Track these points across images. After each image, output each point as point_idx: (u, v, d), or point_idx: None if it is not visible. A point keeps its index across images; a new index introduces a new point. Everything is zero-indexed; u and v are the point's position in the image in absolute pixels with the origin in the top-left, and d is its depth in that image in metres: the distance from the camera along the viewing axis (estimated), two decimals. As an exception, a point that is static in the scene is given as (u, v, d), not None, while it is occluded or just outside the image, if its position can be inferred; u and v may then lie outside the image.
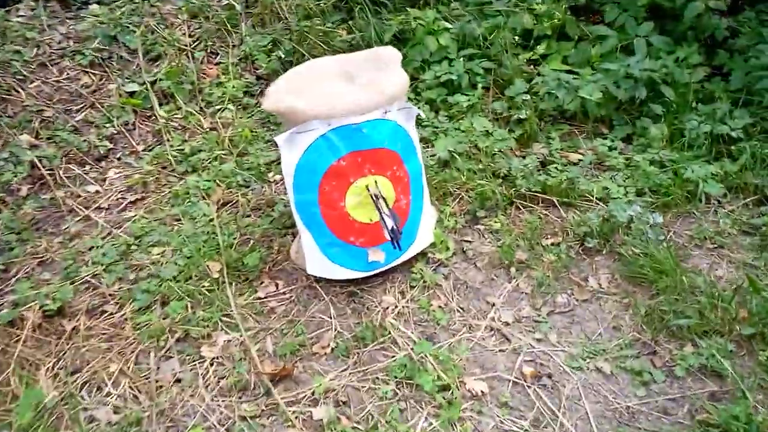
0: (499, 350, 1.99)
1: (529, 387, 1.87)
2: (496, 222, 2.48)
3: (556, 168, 2.63)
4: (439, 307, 2.15)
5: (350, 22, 3.47)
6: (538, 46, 3.23)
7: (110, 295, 2.27)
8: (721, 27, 2.96)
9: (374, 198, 2.04)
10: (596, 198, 2.47)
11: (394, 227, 1.93)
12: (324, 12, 3.52)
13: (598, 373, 1.90)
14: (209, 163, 2.87)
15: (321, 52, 3.27)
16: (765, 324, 1.91)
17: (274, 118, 3.07)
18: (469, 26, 3.26)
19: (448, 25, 3.28)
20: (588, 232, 2.32)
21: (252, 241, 2.45)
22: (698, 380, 1.85)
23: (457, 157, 2.69)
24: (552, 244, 2.35)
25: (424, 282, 2.23)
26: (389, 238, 1.93)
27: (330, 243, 2.12)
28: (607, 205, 2.42)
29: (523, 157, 2.73)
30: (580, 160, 2.73)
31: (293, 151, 1.99)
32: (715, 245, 2.29)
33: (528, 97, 2.95)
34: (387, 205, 2.05)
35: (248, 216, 2.59)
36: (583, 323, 2.07)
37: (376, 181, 2.06)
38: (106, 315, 2.20)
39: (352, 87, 2.04)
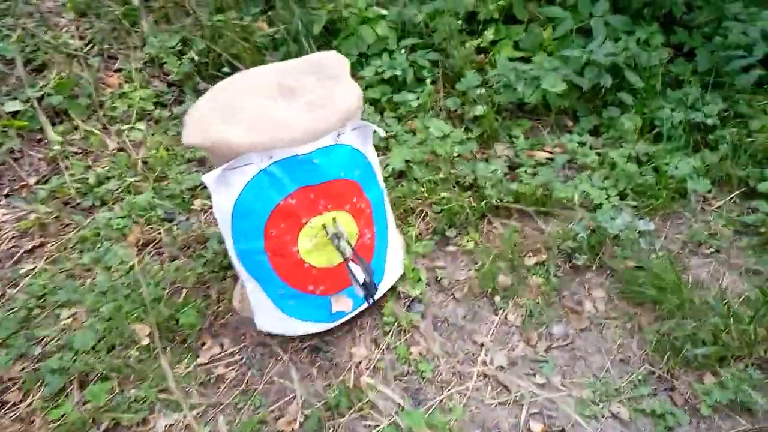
0: (499, 403, 1.69)
1: (542, 452, 1.58)
2: (468, 241, 2.17)
3: (525, 172, 2.34)
4: (421, 354, 1.82)
5: (270, 14, 3.03)
6: (485, 32, 2.92)
7: (10, 379, 1.79)
8: (678, 2, 2.75)
9: (335, 239, 1.67)
10: (577, 205, 2.20)
11: (366, 280, 1.57)
12: (239, 3, 3.05)
13: (615, 420, 1.64)
14: (121, 193, 2.39)
15: (241, 50, 2.82)
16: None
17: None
18: (407, 12, 2.90)
19: (384, 12, 2.90)
20: (575, 247, 2.05)
21: (185, 291, 2.02)
22: (727, 418, 1.63)
23: (414, 166, 2.35)
24: (536, 264, 2.07)
25: (399, 325, 1.89)
26: (361, 294, 1.57)
27: (284, 295, 1.73)
28: (591, 213, 2.16)
29: (487, 161, 2.43)
30: (549, 159, 2.46)
31: (228, 192, 1.58)
32: (712, 249, 2.09)
33: (482, 90, 2.64)
34: (351, 247, 1.68)
35: (176, 258, 2.15)
36: (586, 357, 1.80)
37: (334, 219, 1.68)
38: (7, 408, 1.72)
39: (296, 106, 1.64)
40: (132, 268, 2.08)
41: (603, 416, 1.65)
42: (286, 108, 1.64)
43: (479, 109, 2.59)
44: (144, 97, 2.71)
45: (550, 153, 2.50)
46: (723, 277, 1.99)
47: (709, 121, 2.40)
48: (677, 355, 1.75)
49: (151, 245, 2.20)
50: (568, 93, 2.58)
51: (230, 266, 2.07)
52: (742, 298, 1.87)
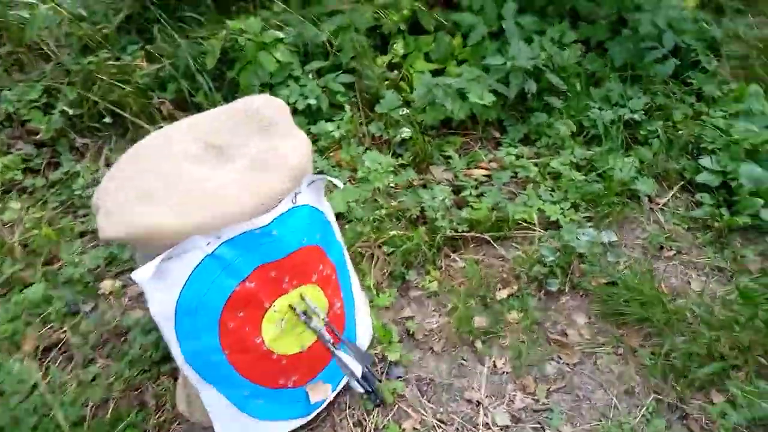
0: (516, 472, 1.50)
1: None
2: (430, 281, 1.96)
3: (471, 195, 2.17)
4: (415, 429, 1.58)
5: (149, 47, 2.62)
6: (394, 46, 2.72)
7: None
8: (580, -3, 2.72)
9: (305, 319, 1.39)
10: (537, 225, 2.07)
11: (366, 371, 1.30)
12: (109, 39, 2.61)
13: (640, 465, 1.51)
14: (2, 291, 1.91)
15: (122, 94, 2.41)
16: (778, 342, 1.67)
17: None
18: (307, 32, 2.63)
19: (281, 35, 2.61)
20: (545, 272, 1.91)
21: (113, 404, 1.62)
22: (746, 436, 1.56)
23: (353, 205, 2.10)
24: (509, 296, 1.90)
25: (381, 398, 1.64)
26: (361, 389, 1.29)
27: (250, 395, 1.42)
28: (550, 231, 2.04)
29: (425, 187, 2.23)
30: (487, 176, 2.32)
31: (167, 288, 1.24)
32: (673, 251, 2.04)
33: (405, 111, 2.45)
34: (325, 322, 1.41)
35: (92, 362, 1.74)
36: (589, 396, 1.66)
37: (301, 295, 1.40)
38: None
39: (235, 169, 1.34)
40: (35, 386, 1.65)
41: (626, 463, 1.51)
42: (223, 173, 1.33)
43: (406, 132, 2.39)
44: (8, 164, 2.22)
45: (487, 169, 2.36)
46: (692, 280, 1.94)
47: (636, 116, 2.38)
48: (679, 376, 1.66)
49: (56, 350, 1.77)
50: (495, 103, 2.45)
51: (163, 360, 1.70)
52: (718, 301, 1.82)
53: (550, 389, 1.68)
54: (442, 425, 1.59)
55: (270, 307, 1.35)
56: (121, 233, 1.19)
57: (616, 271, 1.92)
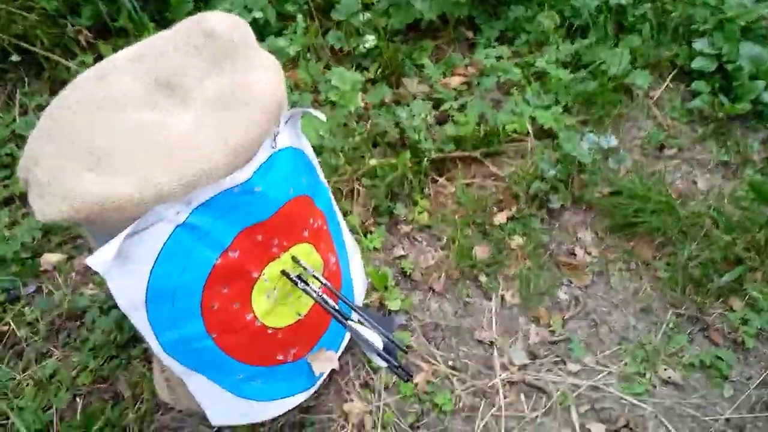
0: (543, 413, 1.40)
1: (615, 456, 1.33)
2: (420, 212, 1.77)
3: (452, 108, 1.94)
4: (429, 382, 1.45)
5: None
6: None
7: None
8: None
9: (300, 283, 1.18)
10: (532, 135, 1.87)
11: (388, 340, 1.11)
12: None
13: (670, 387, 1.43)
14: None
15: (27, 26, 2.00)
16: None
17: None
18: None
19: (207, -66, 2.20)
20: (545, 188, 1.74)
21: (81, 403, 1.42)
22: (770, 342, 1.49)
23: (325, 136, 1.84)
24: (509, 220, 1.74)
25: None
26: (384, 363, 1.10)
27: (246, 378, 1.24)
28: (545, 141, 1.85)
29: (398, 103, 1.98)
30: (466, 83, 2.08)
31: (134, 272, 1.01)
32: (674, 149, 1.89)
33: (366, 15, 2.14)
34: (322, 282, 1.21)
35: (47, 355, 1.51)
36: (605, 319, 1.55)
37: (294, 257, 1.19)
38: None
39: (195, 112, 1.07)
40: (-14, 391, 1.43)
41: (655, 387, 1.42)
42: (181, 120, 1.06)
43: (370, 40, 2.10)
44: None
45: (465, 76, 2.11)
46: (697, 179, 1.81)
47: (623, 1, 2.14)
48: (697, 286, 1.56)
49: (0, 347, 1.53)
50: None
51: (132, 342, 1.49)
52: (729, 199, 1.70)
53: (565, 318, 1.56)
54: (456, 373, 1.46)
55: (259, 277, 1.14)
56: (66, 213, 0.92)
57: (619, 179, 1.76)
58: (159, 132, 1.03)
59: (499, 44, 2.19)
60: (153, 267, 1.02)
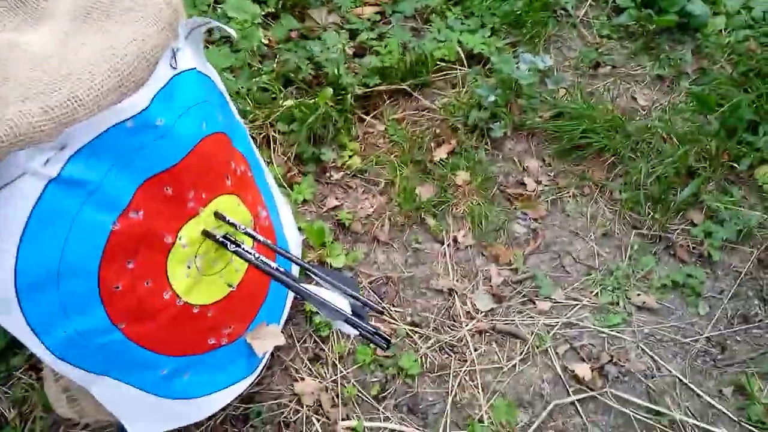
0: (520, 360, 1.25)
1: (604, 393, 1.20)
2: (350, 156, 1.55)
3: (370, 38, 1.71)
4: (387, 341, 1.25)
5: None
6: None
7: None
8: None
9: (229, 246, 0.93)
10: (464, 59, 1.68)
11: (357, 300, 0.88)
12: None
13: (646, 312, 1.32)
14: None
15: None
16: (748, 151, 1.51)
17: None
18: None
19: None
20: (485, 117, 1.57)
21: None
22: (733, 252, 1.42)
23: (226, 74, 1.56)
24: (450, 155, 1.55)
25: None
26: (355, 331, 0.87)
27: (171, 373, 0.98)
28: (477, 67, 1.67)
29: (311, 38, 1.73)
30: (379, 13, 1.85)
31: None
32: (608, 66, 1.78)
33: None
34: (257, 239, 0.97)
35: None
36: (568, 250, 1.42)
37: (216, 212, 0.93)
38: None
39: (58, 22, 0.78)
40: None
41: (631, 315, 1.31)
42: (42, 36, 0.77)
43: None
44: None
45: (378, 5, 1.88)
46: (635, 95, 1.71)
47: None
48: (656, 204, 1.46)
49: None
50: None
51: (10, 349, 1.18)
52: (670, 112, 1.62)
53: (525, 253, 1.41)
54: (417, 329, 1.28)
55: (175, 242, 0.87)
56: None
57: (559, 101, 1.62)
58: (12, 53, 0.74)
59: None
60: (20, 243, 0.74)
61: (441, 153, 1.55)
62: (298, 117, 1.53)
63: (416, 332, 1.27)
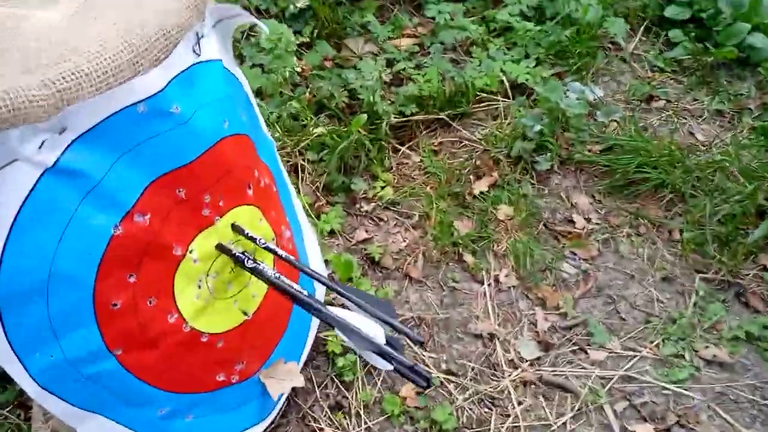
0: (572, 418, 1.08)
1: (671, 462, 1.03)
2: (383, 187, 1.44)
3: (408, 68, 1.64)
4: (419, 393, 1.10)
5: None
6: None
7: None
8: None
9: (247, 262, 0.82)
10: (496, 93, 1.59)
11: (395, 329, 0.75)
12: None
13: (717, 367, 1.15)
14: None
15: None
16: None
17: None
18: None
19: None
20: (530, 148, 1.45)
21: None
22: (816, 303, 1.25)
23: (258, 101, 1.48)
24: (491, 189, 1.44)
25: (364, 361, 1.13)
26: (389, 366, 0.74)
27: (172, 413, 0.85)
28: (521, 99, 1.58)
29: (346, 67, 1.66)
30: (418, 45, 1.78)
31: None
32: (662, 100, 1.66)
33: (295, -29, 1.81)
34: (279, 255, 0.85)
35: None
36: (625, 294, 1.27)
37: (234, 225, 0.82)
38: None
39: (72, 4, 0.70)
40: None
41: (699, 370, 1.14)
42: (53, 10, 0.70)
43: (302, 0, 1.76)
44: None
45: (416, 36, 1.82)
46: (693, 130, 1.59)
47: (582, -50, 1.92)
48: (723, 246, 1.31)
49: None
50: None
51: None
52: (734, 148, 1.48)
53: (576, 296, 1.26)
54: (454, 378, 1.13)
55: (185, 254, 0.77)
56: None
57: (611, 134, 1.51)
58: (16, 24, 0.66)
59: (449, 1, 1.91)
60: (6, 243, 0.64)
61: (481, 186, 1.43)
62: (329, 144, 1.44)
63: (452, 381, 1.12)
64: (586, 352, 1.17)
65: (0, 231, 0.63)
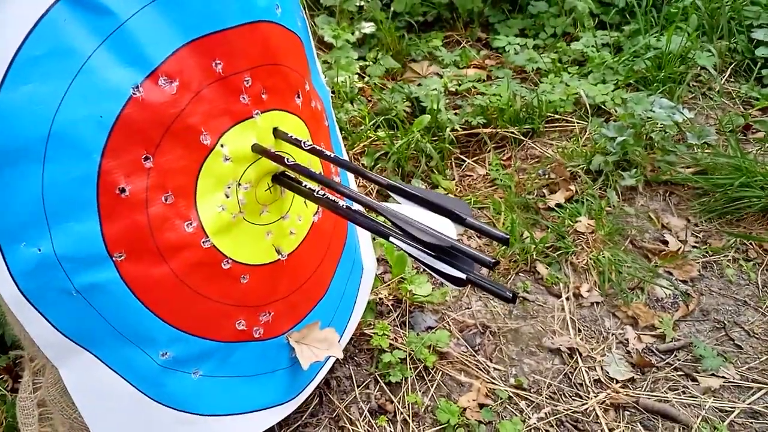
0: (680, 452, 0.83)
1: None
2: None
3: (470, 91, 1.54)
4: (483, 406, 0.88)
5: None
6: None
7: None
8: None
9: (295, 183, 0.67)
10: (587, 105, 1.45)
11: (465, 225, 0.58)
12: None
13: None
14: None
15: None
16: None
17: None
18: None
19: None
20: (612, 161, 1.29)
21: None
22: None
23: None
24: (568, 201, 1.27)
25: (413, 361, 0.93)
26: (461, 275, 0.56)
27: (175, 360, 0.68)
28: (598, 119, 1.44)
29: (407, 83, 1.57)
30: (490, 76, 1.69)
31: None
32: (760, 132, 1.49)
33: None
34: (374, 176, 0.74)
35: None
36: (738, 320, 1.04)
37: (276, 129, 0.68)
38: None
39: None
40: None
41: None
42: None
43: (367, 27, 1.73)
44: None
45: (484, 68, 1.74)
46: (800, 162, 1.39)
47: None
48: None
49: None
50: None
51: None
52: None
53: (675, 318, 1.04)
54: (526, 394, 0.91)
55: (214, 146, 0.63)
56: None
57: (704, 156, 1.33)
58: None
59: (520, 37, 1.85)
60: (3, 81, 0.52)
61: (558, 198, 1.26)
62: (387, 149, 1.33)
63: (524, 397, 0.90)
64: (693, 379, 0.93)
65: (-4, 63, 0.52)
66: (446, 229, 0.56)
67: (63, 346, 0.62)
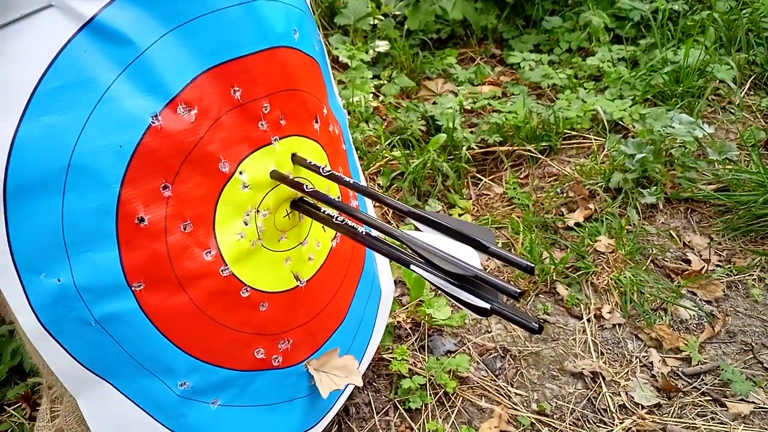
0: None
1: None
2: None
3: (485, 109, 1.53)
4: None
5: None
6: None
7: None
8: None
9: (313, 209, 0.66)
10: (605, 121, 1.44)
11: (490, 254, 0.57)
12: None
13: None
14: None
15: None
16: None
17: None
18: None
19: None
20: (632, 178, 1.27)
21: None
22: None
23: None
24: (587, 220, 1.25)
25: (433, 387, 0.91)
26: (485, 305, 0.55)
27: (194, 390, 0.66)
28: (616, 135, 1.42)
29: (422, 101, 1.57)
30: (505, 93, 1.69)
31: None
32: (782, 147, 1.47)
33: (377, 18, 1.80)
34: (390, 201, 0.69)
35: None
36: (764, 342, 1.01)
37: (295, 155, 0.68)
38: None
39: None
40: None
41: None
42: None
43: (382, 45, 1.74)
44: None
45: (499, 85, 1.73)
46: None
47: (677, 7, 1.84)
48: None
49: None
50: (488, 8, 1.86)
51: (10, 380, 0.91)
52: None
53: (701, 340, 1.01)
54: (549, 420, 0.88)
55: (233, 174, 0.63)
56: None
57: (724, 173, 1.31)
58: None
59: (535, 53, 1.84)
60: (25, 111, 0.52)
61: (576, 217, 1.25)
62: (402, 170, 1.32)
63: (546, 423, 0.88)
64: (722, 404, 0.91)
65: (19, 94, 0.52)
66: (469, 257, 0.55)
67: (81, 376, 0.61)
